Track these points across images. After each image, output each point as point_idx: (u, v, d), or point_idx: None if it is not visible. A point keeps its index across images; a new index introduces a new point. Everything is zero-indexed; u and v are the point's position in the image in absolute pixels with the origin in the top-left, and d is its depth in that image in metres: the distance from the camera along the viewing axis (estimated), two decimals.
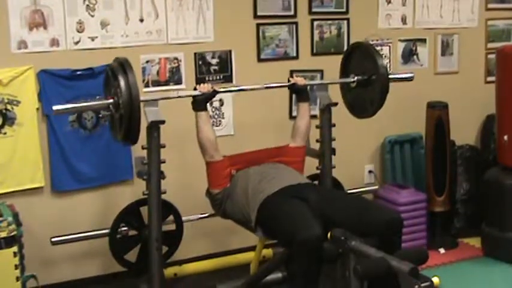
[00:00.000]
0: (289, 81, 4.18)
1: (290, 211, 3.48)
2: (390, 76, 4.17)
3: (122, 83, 3.44)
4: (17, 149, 4.11)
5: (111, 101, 3.56)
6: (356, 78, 4.22)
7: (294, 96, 4.55)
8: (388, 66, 5.11)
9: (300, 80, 4.18)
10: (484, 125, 5.59)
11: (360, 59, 4.24)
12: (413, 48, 5.31)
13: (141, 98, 3.54)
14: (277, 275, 3.96)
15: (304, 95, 4.19)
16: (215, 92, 3.91)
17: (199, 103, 3.86)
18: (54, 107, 3.54)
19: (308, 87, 4.27)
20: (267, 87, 4.14)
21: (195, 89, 3.90)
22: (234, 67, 4.68)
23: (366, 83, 4.18)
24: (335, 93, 4.34)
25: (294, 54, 4.88)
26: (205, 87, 3.86)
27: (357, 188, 4.81)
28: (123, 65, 3.50)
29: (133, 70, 3.50)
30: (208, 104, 4.55)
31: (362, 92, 4.24)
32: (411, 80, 4.46)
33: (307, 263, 3.26)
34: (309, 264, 3.26)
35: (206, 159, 3.91)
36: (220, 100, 4.66)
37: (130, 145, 3.77)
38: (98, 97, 3.76)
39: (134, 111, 3.43)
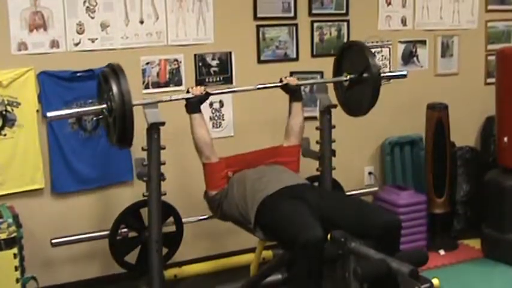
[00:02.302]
0: (281, 81, 4.17)
1: (290, 212, 3.48)
2: (382, 74, 4.18)
3: (114, 88, 3.45)
4: (17, 151, 4.11)
5: (104, 106, 3.57)
6: (348, 76, 4.21)
7: None
8: (381, 64, 5.14)
9: (292, 80, 4.17)
10: (484, 127, 5.59)
11: (353, 58, 4.24)
12: (413, 50, 5.31)
13: (134, 102, 3.53)
14: (277, 276, 3.97)
15: (297, 95, 4.19)
16: (208, 94, 3.91)
17: (193, 105, 3.86)
18: (48, 114, 3.58)
19: (302, 87, 4.29)
20: (259, 88, 4.12)
21: (188, 91, 3.90)
22: (234, 69, 4.68)
23: (359, 81, 4.17)
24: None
25: (294, 56, 4.88)
26: (197, 90, 3.87)
27: (357, 190, 4.81)
28: (115, 71, 3.51)
29: (126, 75, 3.49)
30: (208, 106, 4.57)
31: (355, 91, 4.23)
32: (405, 77, 4.46)
33: (309, 265, 3.26)
34: (311, 265, 3.26)
35: (202, 160, 3.92)
36: (220, 101, 4.67)
37: (126, 148, 3.78)
38: (90, 101, 3.85)
39: (127, 115, 3.43)
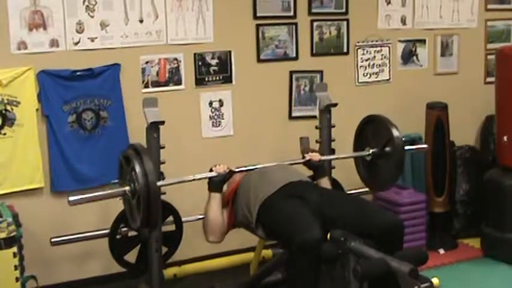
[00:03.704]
0: (304, 157, 4.08)
1: (290, 212, 3.47)
2: (406, 148, 4.06)
3: (138, 168, 3.35)
4: (17, 150, 4.11)
5: (127, 188, 3.47)
6: (371, 151, 4.11)
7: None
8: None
9: (314, 156, 4.04)
10: (483, 126, 5.59)
11: (374, 131, 4.14)
12: (413, 49, 5.31)
13: (159, 183, 3.47)
14: (277, 275, 3.97)
15: (320, 170, 4.06)
16: (232, 173, 3.80)
17: (215, 184, 3.76)
18: (70, 198, 3.48)
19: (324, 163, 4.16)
20: (279, 164, 3.96)
21: (211, 170, 3.79)
22: (234, 68, 4.68)
23: (381, 156, 4.07)
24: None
25: (294, 55, 4.88)
26: (221, 168, 3.77)
27: (356, 189, 4.80)
28: (137, 151, 3.43)
29: (148, 155, 3.44)
30: (208, 105, 4.57)
31: (377, 165, 4.13)
32: (426, 150, 4.42)
33: (306, 265, 3.25)
34: (308, 266, 3.25)
35: (209, 240, 3.83)
36: (220, 101, 4.66)
37: (149, 232, 3.72)
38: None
39: (152, 197, 3.34)
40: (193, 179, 3.72)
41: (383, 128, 4.07)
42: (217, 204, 3.75)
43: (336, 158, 4.24)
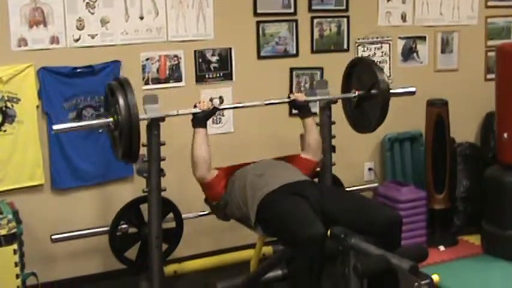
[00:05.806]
0: (289, 97, 4.14)
1: (291, 208, 3.48)
2: (391, 91, 4.11)
3: (121, 102, 3.42)
4: (17, 147, 4.11)
5: (111, 119, 3.53)
6: (357, 93, 4.17)
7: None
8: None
9: (300, 96, 4.11)
10: (484, 123, 5.59)
11: (361, 74, 4.20)
12: (413, 46, 5.31)
13: (141, 116, 3.50)
14: (277, 272, 3.96)
15: (306, 111, 4.14)
16: (215, 110, 3.88)
17: (199, 120, 3.82)
18: (54, 127, 3.53)
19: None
20: (267, 104, 4.08)
21: (195, 106, 3.85)
22: (234, 64, 4.68)
23: (367, 98, 4.13)
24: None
25: (294, 52, 4.88)
26: (205, 105, 3.83)
27: (356, 186, 4.81)
28: (121, 84, 3.49)
29: (133, 89, 3.48)
30: (208, 102, 4.56)
31: (363, 107, 4.19)
32: (413, 94, 4.43)
33: (310, 261, 3.26)
34: (312, 262, 3.26)
35: (196, 176, 3.86)
36: (220, 98, 4.66)
37: (130, 163, 3.75)
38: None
39: (133, 131, 3.41)
40: (178, 114, 3.78)
41: (368, 71, 4.12)
42: (202, 139, 3.81)
43: (321, 99, 4.26)
